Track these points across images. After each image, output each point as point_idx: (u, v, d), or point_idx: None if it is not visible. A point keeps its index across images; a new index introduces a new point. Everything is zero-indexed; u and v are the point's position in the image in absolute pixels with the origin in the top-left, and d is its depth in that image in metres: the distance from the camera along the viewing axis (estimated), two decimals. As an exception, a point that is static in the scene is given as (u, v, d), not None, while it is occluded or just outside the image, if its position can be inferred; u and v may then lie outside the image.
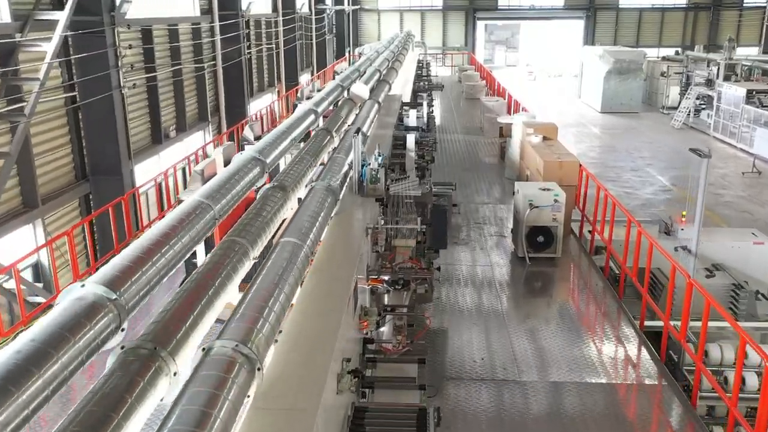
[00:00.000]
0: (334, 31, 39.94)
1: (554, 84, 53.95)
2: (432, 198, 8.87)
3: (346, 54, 39.79)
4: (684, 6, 47.70)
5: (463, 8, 48.20)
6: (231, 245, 5.08)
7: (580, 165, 11.81)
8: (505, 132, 16.82)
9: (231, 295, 4.81)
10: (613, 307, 9.53)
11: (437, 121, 22.92)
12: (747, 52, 43.55)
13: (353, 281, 5.93)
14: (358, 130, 7.78)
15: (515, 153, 15.19)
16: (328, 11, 33.97)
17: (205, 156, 15.85)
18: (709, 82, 34.93)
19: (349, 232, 6.84)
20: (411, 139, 10.91)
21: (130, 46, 13.28)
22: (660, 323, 8.87)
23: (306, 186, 7.72)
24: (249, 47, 22.33)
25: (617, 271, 10.91)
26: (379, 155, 8.11)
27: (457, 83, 31.94)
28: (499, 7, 48.75)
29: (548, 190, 10.64)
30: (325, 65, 34.10)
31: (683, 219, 13.34)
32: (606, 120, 39.10)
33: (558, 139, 13.59)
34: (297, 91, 20.13)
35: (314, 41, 32.78)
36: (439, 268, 6.84)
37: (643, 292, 8.90)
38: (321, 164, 8.66)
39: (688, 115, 35.68)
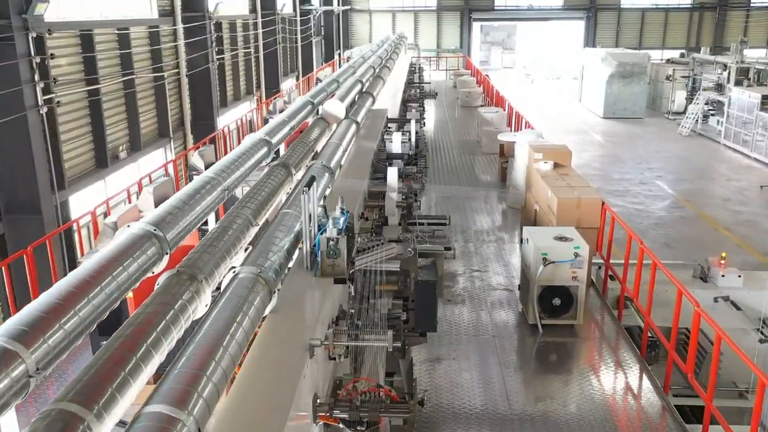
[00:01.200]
0: (323, 33, 37.51)
1: (553, 87, 51.74)
2: (416, 263, 6.58)
3: (336, 57, 37.41)
4: (689, 6, 45.32)
5: (458, 8, 45.76)
6: (60, 420, 2.78)
7: (603, 203, 9.48)
8: (506, 151, 14.51)
9: None
10: (656, 406, 7.20)
11: (430, 132, 20.60)
12: (754, 54, 41.38)
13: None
14: (309, 183, 5.43)
15: (520, 179, 12.87)
16: (314, 12, 31.59)
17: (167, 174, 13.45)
18: (719, 87, 32.71)
19: (285, 344, 4.48)
20: (393, 173, 8.58)
21: (53, 56, 10.90)
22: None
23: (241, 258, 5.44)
24: (221, 52, 19.96)
25: (651, 335, 8.60)
26: (343, 213, 5.77)
27: (452, 89, 29.64)
28: (495, 8, 46.29)
29: (566, 239, 8.31)
30: (312, 69, 31.72)
31: (722, 262, 11.03)
32: (609, 126, 36.89)
33: (572, 165, 11.26)
34: (269, 103, 17.77)
35: (299, 44, 30.35)
36: (422, 401, 4.55)
37: (706, 399, 6.55)
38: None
39: (696, 121, 33.47)
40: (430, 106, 24.55)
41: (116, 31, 14.10)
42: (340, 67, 18.63)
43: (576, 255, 8.12)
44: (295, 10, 29.55)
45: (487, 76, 34.94)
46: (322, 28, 37.25)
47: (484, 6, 46.05)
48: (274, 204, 7.22)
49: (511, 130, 17.88)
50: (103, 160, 13.39)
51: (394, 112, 17.18)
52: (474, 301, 9.37)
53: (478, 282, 9.94)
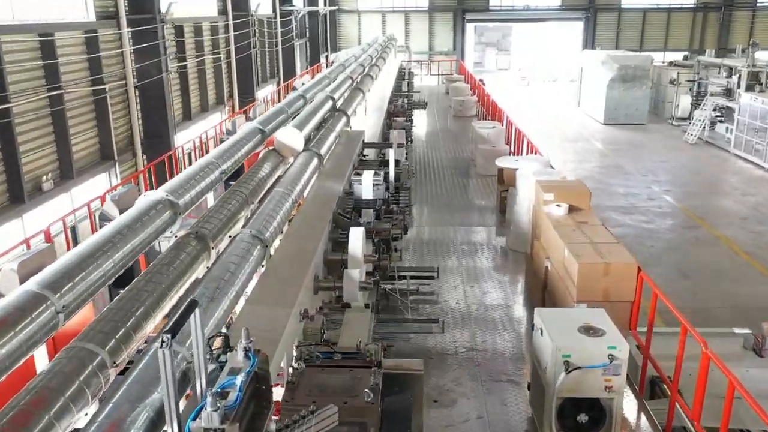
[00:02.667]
0: (308, 35, 34.96)
1: (549, 90, 49.47)
2: (378, 414, 4.16)
3: (322, 60, 34.91)
4: (692, 6, 42.78)
5: (451, 9, 43.11)
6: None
7: (639, 269, 7.05)
8: (506, 178, 12.09)
9: None
10: None
11: (418, 147, 18.18)
12: (762, 57, 39.12)
13: None
14: (176, 326, 3.01)
15: (523, 216, 10.46)
16: (296, 12, 29.02)
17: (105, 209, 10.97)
18: (728, 92, 30.34)
19: None
20: (357, 237, 6.14)
21: None
22: None
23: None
24: (184, 59, 17.45)
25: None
26: (249, 357, 3.35)
27: (445, 95, 27.22)
28: (490, 8, 43.66)
29: (596, 333, 5.88)
30: (295, 73, 29.20)
31: (780, 330, 8.61)
32: (610, 133, 34.53)
33: (587, 203, 8.80)
34: (228, 120, 15.24)
35: (280, 47, 27.81)
36: None
37: None
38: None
39: (703, 128, 31.14)
40: (420, 116, 22.15)
41: (37, 38, 11.58)
42: (328, 69, 16.18)
43: (611, 358, 5.69)
44: (274, 10, 26.97)
45: (481, 80, 32.54)
46: (307, 29, 34.68)
47: (478, 6, 43.46)
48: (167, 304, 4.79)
49: (510, 149, 15.50)
50: (18, 194, 10.89)
51: (376, 127, 14.73)
52: (469, 401, 6.92)
53: (473, 368, 7.49)
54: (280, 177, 7.92)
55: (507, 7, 43.54)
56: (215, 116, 20.39)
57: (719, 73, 33.61)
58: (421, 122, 21.78)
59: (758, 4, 41.91)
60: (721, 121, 30.92)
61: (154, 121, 14.98)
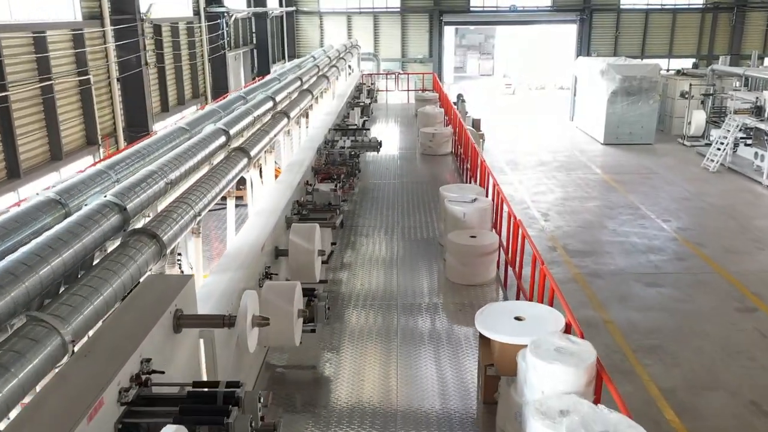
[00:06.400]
0: (254, 41, 28.51)
1: (537, 99, 43.51)
2: None
3: (272, 69, 28.51)
4: (700, 6, 36.59)
5: (427, 10, 36.56)
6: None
7: None
8: (496, 353, 5.81)
9: None
10: None
11: (356, 226, 11.86)
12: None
13: None
14: None
15: None
16: (225, 15, 22.37)
17: None
18: (758, 110, 24.35)
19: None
20: None
21: None
22: None
23: None
24: (3, 87, 10.95)
25: None
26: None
27: (414, 118, 20.91)
28: (471, 8, 37.23)
29: None
30: (228, 89, 22.77)
31: None
32: (612, 156, 28.47)
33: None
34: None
35: (206, 58, 21.35)
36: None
37: None
38: None
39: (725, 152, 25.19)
40: (372, 158, 15.88)
41: None
42: (196, 113, 9.83)
43: None
44: (198, 13, 20.48)
45: (460, 97, 26.27)
46: (254, 34, 28.26)
47: (457, 6, 37.00)
48: None
49: (500, 242, 9.21)
50: None
51: (278, 211, 8.42)
52: None
53: None
54: None
55: (490, 7, 37.04)
56: (82, 161, 13.93)
57: (735, 84, 27.72)
58: (375, 166, 15.45)
59: (775, 4, 35.88)
60: (747, 144, 24.94)
61: None
